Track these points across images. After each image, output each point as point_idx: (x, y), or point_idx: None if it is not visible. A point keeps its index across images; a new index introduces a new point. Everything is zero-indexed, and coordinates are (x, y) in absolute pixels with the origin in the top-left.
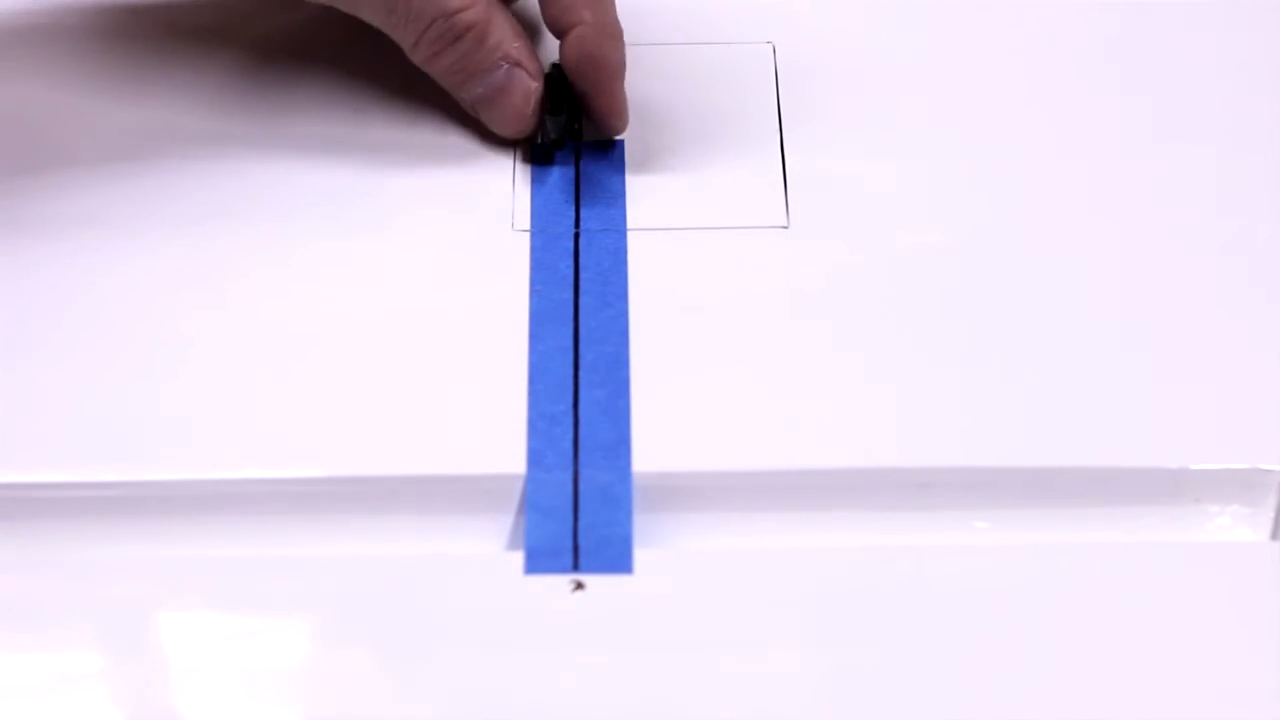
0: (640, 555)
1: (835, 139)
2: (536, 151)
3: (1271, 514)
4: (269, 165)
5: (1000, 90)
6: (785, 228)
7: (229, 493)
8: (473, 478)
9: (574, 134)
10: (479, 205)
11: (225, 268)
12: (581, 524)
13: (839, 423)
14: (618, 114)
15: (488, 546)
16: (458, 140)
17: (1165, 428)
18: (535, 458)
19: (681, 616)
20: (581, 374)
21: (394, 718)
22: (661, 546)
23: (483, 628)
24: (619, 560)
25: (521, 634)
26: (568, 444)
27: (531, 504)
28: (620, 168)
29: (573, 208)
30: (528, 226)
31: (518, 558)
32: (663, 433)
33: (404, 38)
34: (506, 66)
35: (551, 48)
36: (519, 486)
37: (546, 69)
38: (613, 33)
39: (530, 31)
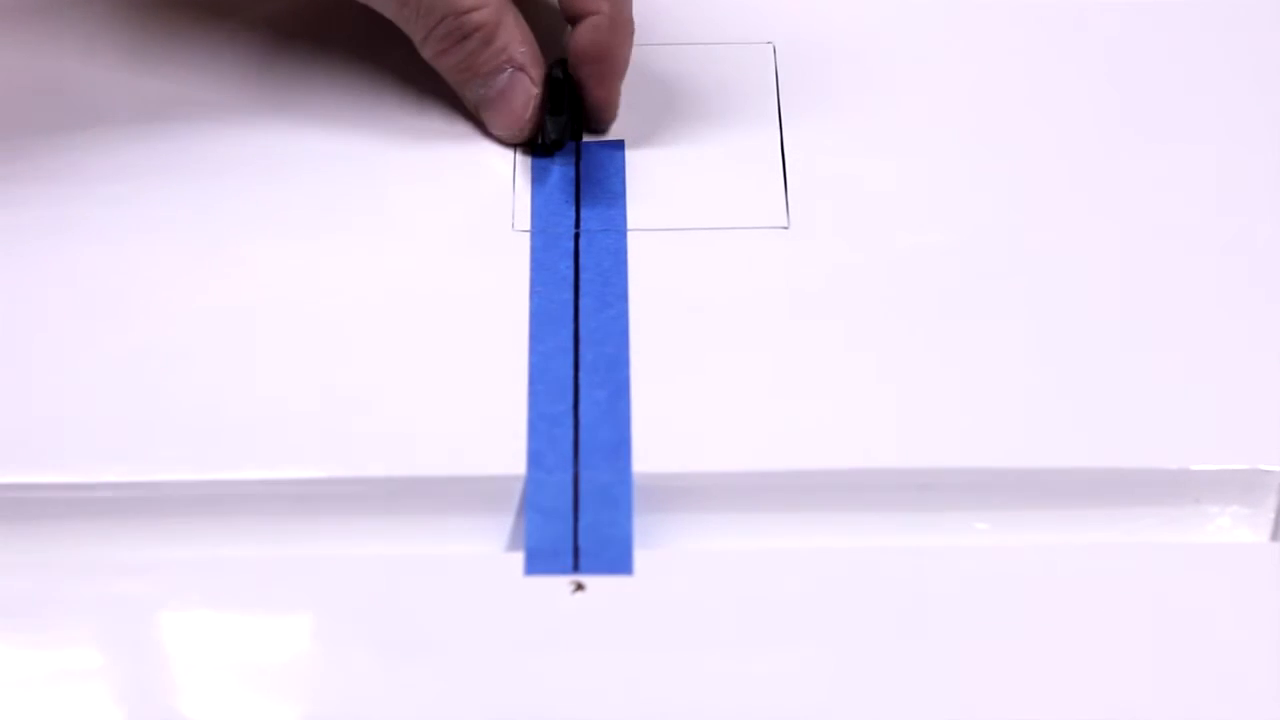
0: (640, 556)
1: (835, 139)
2: (537, 152)
3: (1272, 515)
4: (269, 164)
5: (1000, 90)
6: (785, 228)
7: (229, 493)
8: (473, 478)
9: (574, 134)
10: (479, 205)
11: (225, 268)
12: (582, 525)
13: (839, 423)
14: (610, 110)
15: (488, 547)
16: (459, 140)
17: (1165, 428)
18: (535, 458)
19: (681, 617)
20: (582, 375)
21: (394, 718)
22: (662, 547)
23: (483, 629)
24: (619, 561)
25: (522, 635)
26: (568, 445)
27: (532, 505)
28: (620, 168)
29: (573, 208)
30: (528, 227)
31: (518, 559)
32: (663, 433)
33: (414, 32)
34: (510, 70)
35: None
36: (519, 487)
37: (547, 69)
38: (625, 28)
39: (541, 22)
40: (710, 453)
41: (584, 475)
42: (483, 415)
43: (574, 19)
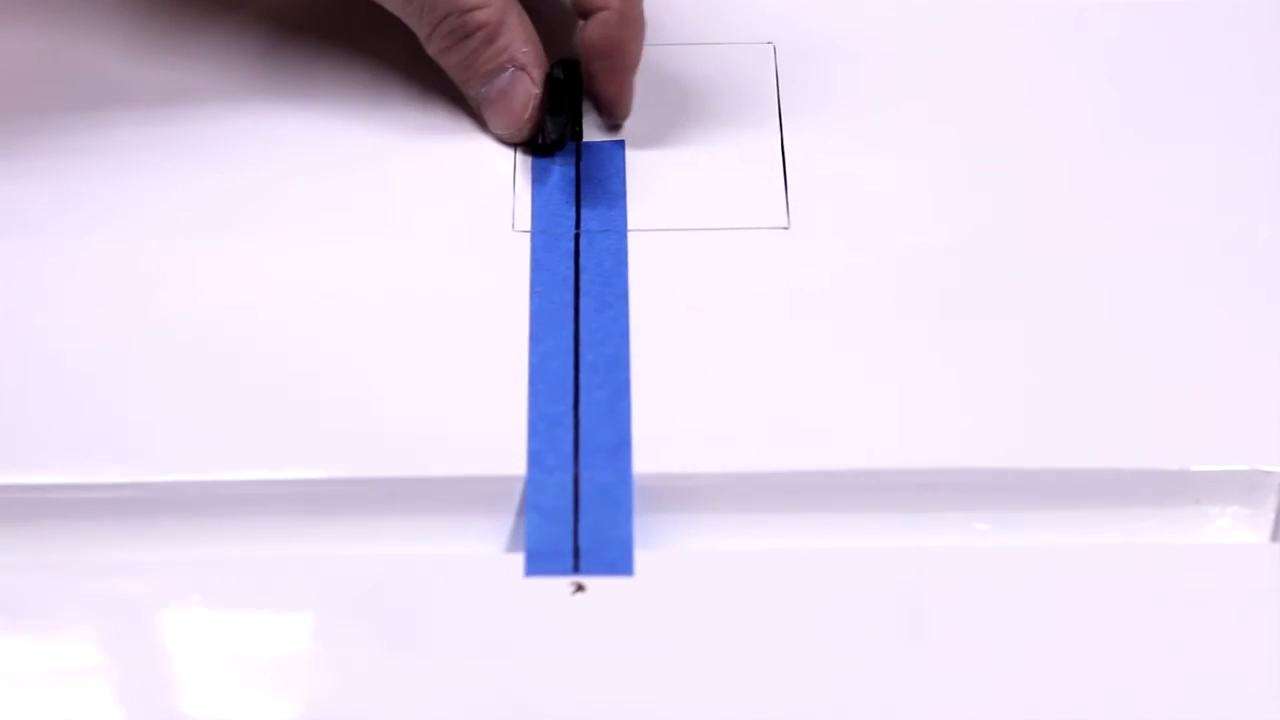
0: (641, 557)
1: (835, 139)
2: (537, 151)
3: (1272, 515)
4: (268, 162)
5: (1001, 90)
6: (785, 228)
7: (229, 494)
8: (473, 479)
9: (574, 134)
10: (479, 205)
11: (225, 268)
12: (582, 526)
13: (839, 424)
14: (622, 105)
15: (488, 548)
16: (460, 139)
17: (1166, 429)
18: (535, 459)
19: (682, 618)
20: (582, 375)
21: (394, 718)
22: (662, 548)
23: (483, 630)
24: (619, 562)
25: (522, 636)
26: (568, 445)
27: (532, 505)
28: (620, 168)
29: (573, 208)
30: (528, 227)
31: (518, 559)
32: (663, 434)
33: (419, 28)
34: (512, 70)
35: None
36: (519, 488)
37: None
38: (637, 23)
39: (548, 20)
40: (710, 453)
41: (584, 475)
42: (483, 415)
43: (585, 14)
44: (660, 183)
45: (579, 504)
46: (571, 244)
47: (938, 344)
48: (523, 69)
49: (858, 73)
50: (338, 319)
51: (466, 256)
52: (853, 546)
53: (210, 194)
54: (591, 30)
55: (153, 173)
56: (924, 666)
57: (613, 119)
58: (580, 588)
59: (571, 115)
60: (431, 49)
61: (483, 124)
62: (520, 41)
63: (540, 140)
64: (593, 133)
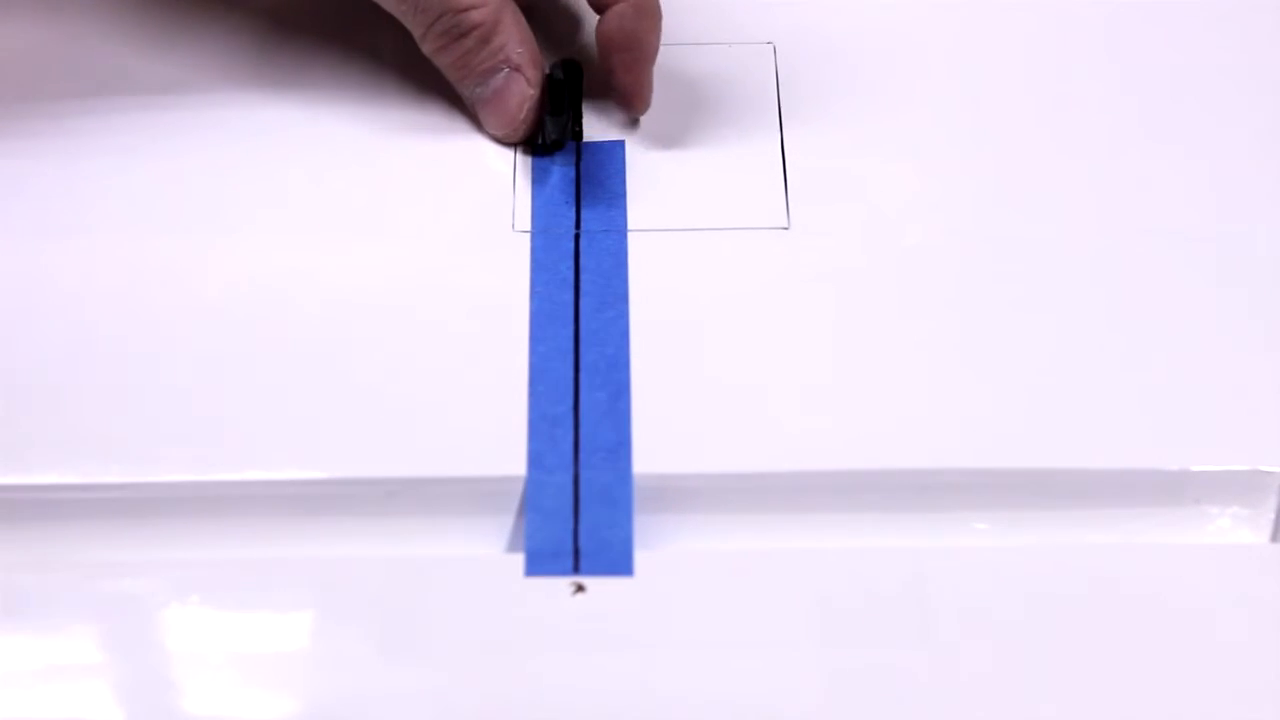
0: (641, 557)
1: (835, 139)
2: (537, 152)
3: (1272, 516)
4: (267, 163)
5: (1001, 90)
6: (785, 228)
7: (229, 494)
8: (473, 479)
9: (574, 134)
10: (479, 205)
11: (225, 270)
12: (582, 526)
13: (839, 424)
14: (642, 96)
15: (488, 548)
16: (459, 140)
17: (1165, 429)
18: (536, 459)
19: (682, 618)
20: (582, 375)
21: (394, 718)
22: (662, 548)
23: (483, 630)
24: (619, 562)
25: (522, 636)
26: (568, 446)
27: (532, 506)
28: (620, 168)
29: (573, 208)
30: (528, 227)
31: (518, 560)
32: (663, 434)
33: (414, 27)
34: (506, 70)
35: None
36: (519, 488)
37: (547, 69)
38: (653, 14)
39: (546, 16)
40: (710, 453)
41: (584, 476)
42: (483, 416)
43: (601, 7)
44: (660, 183)
45: (579, 504)
46: (571, 244)
47: (937, 344)
48: (518, 69)
49: (858, 73)
50: (338, 319)
51: (466, 256)
52: (853, 546)
53: (210, 195)
54: (608, 23)
55: (152, 172)
56: (924, 666)
57: (633, 112)
58: (580, 588)
59: (572, 115)
60: (426, 48)
61: (480, 123)
62: (515, 42)
63: (540, 140)
64: (593, 133)
